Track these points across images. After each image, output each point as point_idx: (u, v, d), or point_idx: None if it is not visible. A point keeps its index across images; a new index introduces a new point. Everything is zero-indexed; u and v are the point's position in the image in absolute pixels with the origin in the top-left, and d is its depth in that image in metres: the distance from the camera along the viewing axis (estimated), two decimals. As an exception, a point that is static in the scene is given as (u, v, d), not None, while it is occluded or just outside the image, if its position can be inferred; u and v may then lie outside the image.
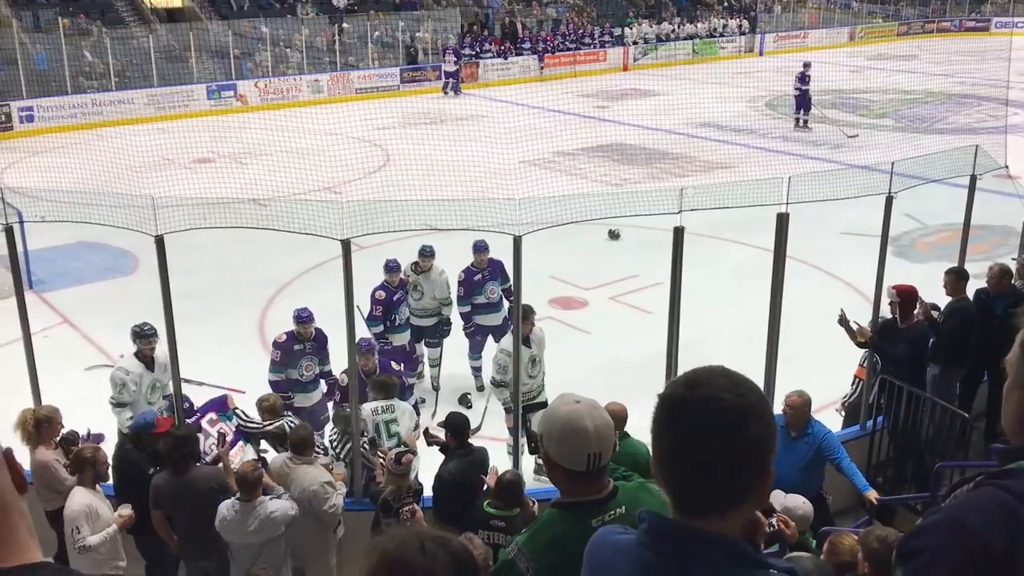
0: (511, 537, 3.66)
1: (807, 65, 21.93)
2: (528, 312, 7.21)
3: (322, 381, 7.89)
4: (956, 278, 7.35)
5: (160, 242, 5.76)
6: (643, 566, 1.55)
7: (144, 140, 18.59)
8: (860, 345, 7.17)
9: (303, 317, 7.67)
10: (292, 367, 7.63)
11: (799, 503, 4.93)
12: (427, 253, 9.05)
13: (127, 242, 11.09)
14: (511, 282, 8.73)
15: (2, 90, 21.88)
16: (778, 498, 4.88)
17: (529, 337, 7.45)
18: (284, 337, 7.70)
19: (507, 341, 7.44)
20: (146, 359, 7.19)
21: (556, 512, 2.41)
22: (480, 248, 8.99)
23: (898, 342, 6.94)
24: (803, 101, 22.01)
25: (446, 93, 27.64)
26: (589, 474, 2.28)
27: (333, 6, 29.14)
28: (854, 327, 7.04)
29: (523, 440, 6.82)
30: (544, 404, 7.72)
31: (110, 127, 21.72)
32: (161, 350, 7.10)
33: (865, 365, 7.38)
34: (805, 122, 22.05)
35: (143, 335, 7.15)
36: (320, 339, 7.78)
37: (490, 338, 9.04)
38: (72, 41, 23.55)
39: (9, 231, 6.10)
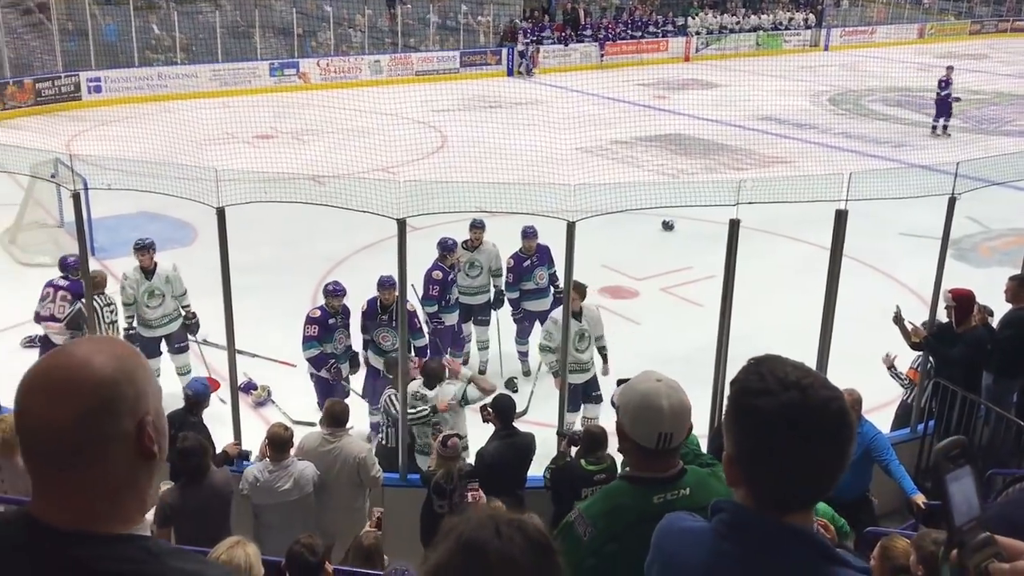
0: None
1: (950, 69, 20.28)
2: (579, 287, 7.33)
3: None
4: (1019, 286, 7.14)
5: (221, 214, 5.88)
6: (723, 556, 1.56)
7: (207, 114, 18.90)
8: (914, 346, 7.05)
9: (337, 291, 7.87)
10: (328, 341, 7.80)
11: None
12: (479, 225, 9.13)
13: (187, 213, 11.30)
14: (556, 268, 8.87)
15: (72, 61, 22.37)
16: None
17: (580, 313, 7.63)
18: (318, 312, 7.87)
19: (557, 312, 7.70)
20: (144, 269, 8.30)
21: (622, 484, 2.45)
22: (529, 234, 9.03)
23: (954, 346, 6.81)
24: (944, 107, 20.34)
25: (520, 73, 27.80)
26: (658, 452, 2.31)
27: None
28: (908, 327, 6.92)
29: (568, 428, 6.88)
30: (593, 381, 7.95)
31: (175, 100, 22.12)
32: (163, 265, 8.39)
33: (918, 368, 7.26)
34: (944, 128, 20.33)
35: (140, 247, 8.28)
36: (346, 312, 8.00)
37: (537, 323, 9.08)
38: (141, 14, 23.99)
39: (76, 197, 6.26)
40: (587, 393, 8.00)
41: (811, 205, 6.39)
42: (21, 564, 1.24)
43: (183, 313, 8.57)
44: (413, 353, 7.66)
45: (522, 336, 9.31)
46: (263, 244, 11.56)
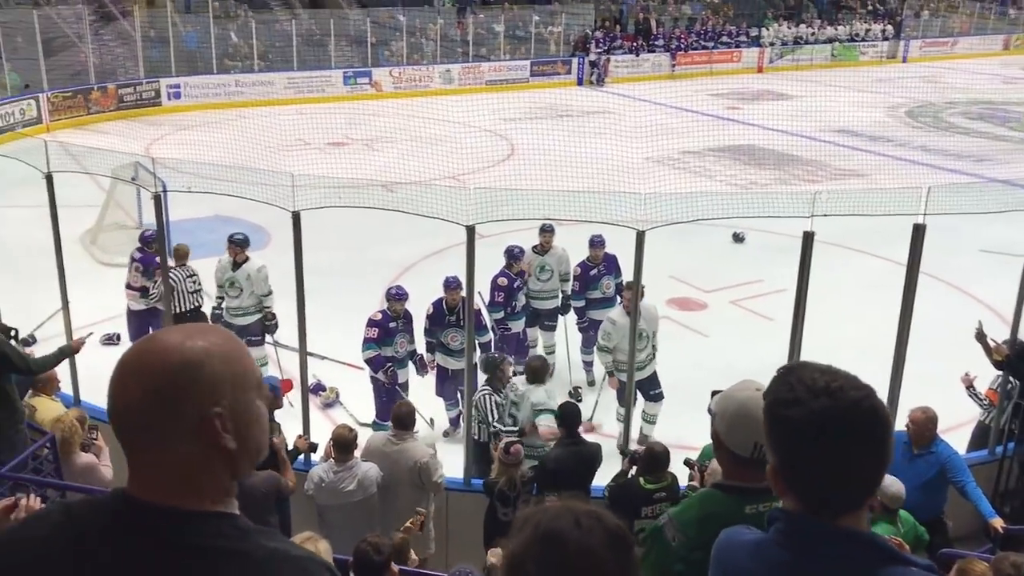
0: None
1: None
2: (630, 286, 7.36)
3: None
4: None
5: (297, 218, 5.98)
6: (782, 565, 1.56)
7: (282, 121, 19.27)
8: (996, 364, 6.83)
9: (400, 295, 7.97)
10: (387, 344, 7.89)
11: (887, 481, 4.86)
12: (548, 229, 9.18)
13: (261, 217, 11.52)
14: (623, 278, 8.83)
15: (153, 67, 23.05)
16: None
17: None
18: (380, 316, 7.95)
19: (615, 312, 7.95)
20: (234, 261, 8.72)
21: (715, 492, 2.45)
22: (596, 243, 9.01)
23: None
24: None
25: (591, 83, 27.85)
26: (753, 461, 2.29)
27: (469, -2, 29.54)
28: (991, 344, 6.71)
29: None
30: (651, 378, 8.00)
31: (251, 107, 22.62)
32: (252, 262, 8.76)
33: (997, 388, 7.03)
34: None
35: (232, 241, 8.74)
36: (408, 317, 8.07)
37: None
38: (219, 23, 24.62)
39: (157, 199, 6.44)
40: (646, 391, 7.95)
41: (887, 219, 6.26)
42: (119, 537, 1.31)
43: (263, 311, 8.84)
44: (479, 351, 7.79)
45: (587, 345, 9.27)
46: (335, 248, 11.72)
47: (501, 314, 8.82)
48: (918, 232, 5.75)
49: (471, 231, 5.86)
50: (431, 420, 8.31)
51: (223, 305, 8.90)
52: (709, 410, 2.48)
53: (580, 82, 28.20)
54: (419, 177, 14.27)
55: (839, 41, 33.40)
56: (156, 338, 1.39)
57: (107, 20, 23.70)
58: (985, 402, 7.27)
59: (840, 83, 28.30)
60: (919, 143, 20.54)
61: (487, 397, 6.94)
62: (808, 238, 5.65)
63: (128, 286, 9.21)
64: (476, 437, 6.87)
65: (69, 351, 6.47)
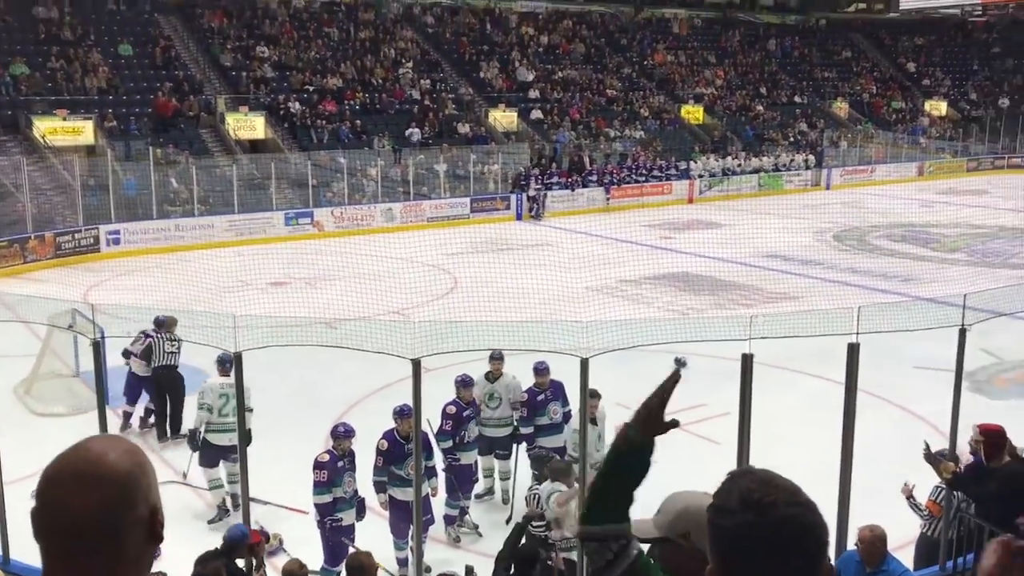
0: None
1: None
2: (595, 394, 7.68)
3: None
4: None
5: (238, 359, 5.94)
6: None
7: (223, 263, 19.28)
8: (949, 483, 6.87)
9: (348, 432, 7.87)
10: (337, 484, 7.72)
11: None
12: (498, 357, 9.22)
13: (203, 360, 11.37)
14: (570, 406, 8.93)
15: (92, 214, 23.04)
16: None
17: (596, 416, 8.12)
18: (327, 456, 7.79)
19: (574, 421, 8.32)
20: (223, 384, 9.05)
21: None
22: (541, 370, 9.10)
23: (987, 482, 6.63)
24: None
25: (530, 217, 28.53)
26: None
27: (408, 140, 30.32)
28: (939, 462, 6.77)
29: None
30: None
31: (191, 251, 22.62)
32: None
33: (939, 500, 7.09)
34: None
35: (220, 360, 9.09)
36: (352, 455, 7.95)
37: None
38: (160, 169, 24.84)
39: (96, 346, 6.34)
40: None
41: (825, 340, 6.43)
42: None
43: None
44: (430, 479, 7.99)
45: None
46: (278, 388, 11.58)
47: (449, 443, 8.72)
48: (852, 351, 5.92)
49: (416, 364, 5.88)
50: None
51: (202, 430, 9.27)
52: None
53: (519, 217, 28.88)
54: (362, 313, 14.28)
55: (765, 171, 34.87)
56: (88, 450, 1.45)
57: (47, 168, 23.77)
58: (925, 513, 7.31)
59: (768, 210, 29.40)
60: (847, 265, 21.28)
61: (537, 494, 7.14)
62: (747, 360, 5.78)
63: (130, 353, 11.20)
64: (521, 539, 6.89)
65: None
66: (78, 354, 12.53)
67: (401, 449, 7.95)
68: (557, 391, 9.18)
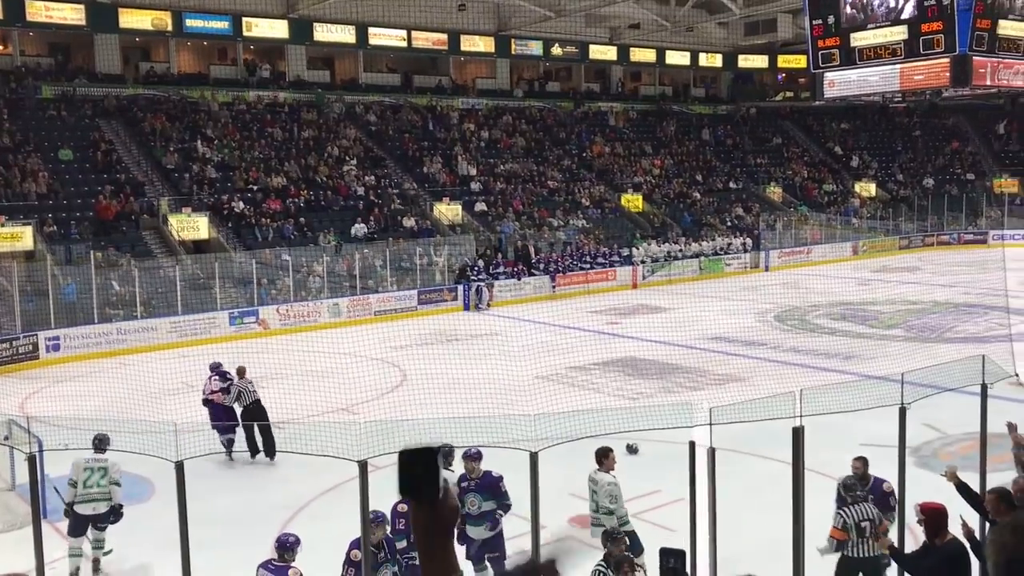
0: None
1: None
2: (607, 452, 8.82)
3: None
4: (998, 499, 6.49)
5: (180, 468, 5.81)
6: None
7: (166, 366, 18.94)
8: (891, 554, 6.92)
9: (292, 543, 7.58)
10: None
11: None
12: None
13: (144, 469, 11.07)
14: (505, 503, 8.74)
15: (31, 321, 22.55)
16: None
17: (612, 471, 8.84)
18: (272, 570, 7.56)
19: (598, 474, 8.94)
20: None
21: None
22: (472, 456, 8.88)
23: (929, 558, 6.67)
24: None
25: (477, 307, 28.62)
26: None
27: (354, 235, 30.44)
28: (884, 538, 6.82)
29: None
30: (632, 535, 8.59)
31: (133, 354, 22.18)
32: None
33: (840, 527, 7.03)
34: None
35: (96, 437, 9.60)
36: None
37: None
38: (101, 272, 24.50)
39: (32, 460, 6.17)
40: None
41: (776, 420, 6.50)
42: None
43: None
44: None
45: (476, 562, 9.01)
46: (223, 493, 11.29)
47: (404, 543, 8.50)
48: (797, 435, 6.01)
49: (363, 466, 5.81)
50: None
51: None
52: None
53: (466, 307, 28.95)
54: (309, 411, 14.09)
55: (705, 255, 35.59)
56: None
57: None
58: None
59: (710, 294, 29.91)
60: (790, 345, 21.63)
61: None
62: (693, 447, 5.82)
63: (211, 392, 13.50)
64: None
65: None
66: (14, 467, 12.10)
67: (374, 557, 7.74)
68: (484, 486, 8.88)
